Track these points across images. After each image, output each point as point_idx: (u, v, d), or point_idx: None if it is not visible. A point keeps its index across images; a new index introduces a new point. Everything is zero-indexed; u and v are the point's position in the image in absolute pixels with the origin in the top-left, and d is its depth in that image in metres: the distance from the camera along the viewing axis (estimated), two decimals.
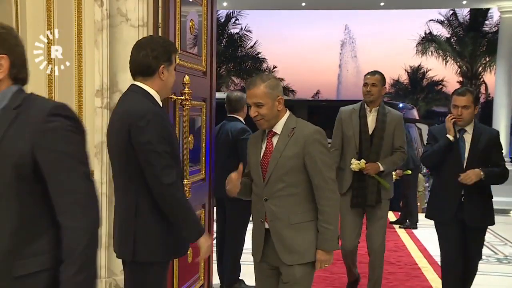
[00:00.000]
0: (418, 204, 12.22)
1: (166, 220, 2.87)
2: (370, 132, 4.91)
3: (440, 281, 5.85)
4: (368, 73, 5.08)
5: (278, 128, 3.19)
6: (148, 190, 2.82)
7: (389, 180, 5.03)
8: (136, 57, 2.94)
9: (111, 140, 3.00)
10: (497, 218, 8.37)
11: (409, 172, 8.87)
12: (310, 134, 3.13)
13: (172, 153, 2.88)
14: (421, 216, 10.56)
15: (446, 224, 4.57)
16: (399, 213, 9.66)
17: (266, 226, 3.20)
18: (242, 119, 5.35)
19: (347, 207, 4.94)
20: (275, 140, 3.19)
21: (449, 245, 4.59)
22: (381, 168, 4.86)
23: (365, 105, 4.98)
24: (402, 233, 8.38)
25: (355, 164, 4.83)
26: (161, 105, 3.01)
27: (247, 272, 5.69)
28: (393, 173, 8.77)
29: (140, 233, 2.83)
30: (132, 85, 2.98)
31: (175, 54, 3.06)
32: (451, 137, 4.45)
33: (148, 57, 2.91)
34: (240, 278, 5.40)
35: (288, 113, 3.23)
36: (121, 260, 3.14)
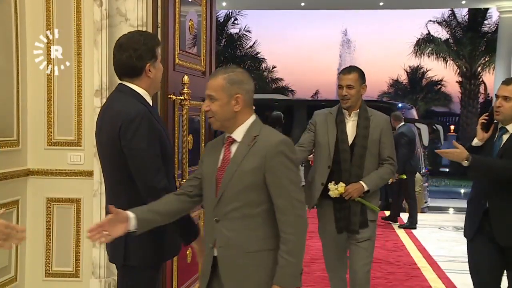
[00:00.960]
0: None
1: None
2: (350, 141, 4.04)
3: (439, 280, 5.87)
4: (342, 71, 4.17)
5: (238, 134, 2.59)
6: (139, 193, 2.74)
7: (376, 197, 4.23)
8: (120, 59, 2.84)
9: (101, 141, 2.91)
10: None
11: (404, 176, 8.78)
12: (273, 145, 2.52)
13: (164, 154, 2.81)
14: (420, 216, 10.58)
15: (472, 241, 3.79)
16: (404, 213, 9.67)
17: (215, 253, 2.59)
18: None
19: (329, 233, 4.18)
20: (233, 148, 2.60)
21: (477, 268, 3.77)
22: (365, 188, 3.98)
23: (343, 109, 4.12)
24: (401, 233, 8.39)
25: (333, 191, 3.98)
26: (150, 103, 2.91)
27: None
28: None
29: (131, 237, 2.69)
30: (120, 84, 2.89)
31: (159, 47, 2.93)
32: (474, 141, 3.82)
33: (132, 59, 2.81)
34: None
35: (253, 117, 2.64)
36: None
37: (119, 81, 2.91)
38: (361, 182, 3.97)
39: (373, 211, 4.11)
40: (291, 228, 2.51)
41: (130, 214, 2.56)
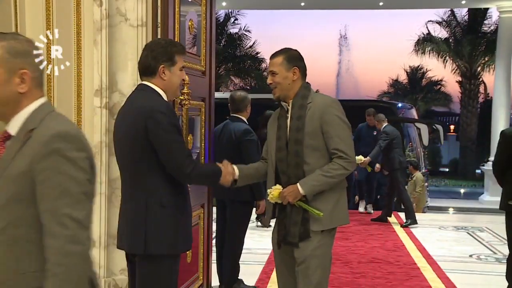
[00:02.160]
0: (415, 204, 12.23)
1: (176, 213, 2.95)
2: (288, 135, 3.37)
3: (439, 280, 5.87)
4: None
5: (13, 126, 1.87)
6: (158, 185, 2.92)
7: (329, 199, 3.33)
8: (140, 58, 3.08)
9: (120, 137, 3.05)
10: (497, 217, 8.42)
11: (369, 169, 8.89)
12: (45, 141, 1.78)
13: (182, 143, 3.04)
14: (420, 216, 10.57)
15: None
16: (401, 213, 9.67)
17: None
18: (245, 120, 5.33)
19: (274, 247, 3.52)
20: (8, 146, 1.89)
21: None
22: (301, 192, 3.25)
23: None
24: (401, 233, 8.39)
25: (269, 195, 3.35)
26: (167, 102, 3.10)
27: (246, 272, 5.70)
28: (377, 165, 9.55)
29: (151, 227, 2.89)
30: (141, 84, 3.08)
31: (179, 55, 3.07)
32: None
33: (148, 58, 3.01)
34: (239, 278, 5.41)
35: (38, 102, 1.90)
36: (125, 258, 3.15)
37: (140, 81, 3.10)
38: (297, 184, 3.28)
39: (319, 219, 3.27)
40: (57, 256, 1.73)
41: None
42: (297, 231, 3.30)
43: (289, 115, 3.38)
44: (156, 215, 2.92)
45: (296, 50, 3.48)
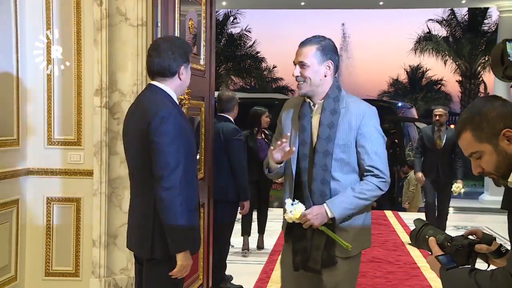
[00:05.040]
0: (409, 203, 12.21)
1: (183, 217, 2.88)
2: (314, 143, 2.89)
3: (439, 280, 5.87)
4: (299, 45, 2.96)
5: None
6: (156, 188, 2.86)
7: (353, 222, 2.90)
8: (156, 59, 2.95)
9: (129, 138, 3.03)
10: (496, 217, 8.42)
11: None
12: None
13: (189, 152, 2.92)
14: (420, 216, 10.58)
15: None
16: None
17: None
18: (232, 119, 5.35)
19: (288, 269, 3.07)
20: None
21: None
22: (330, 215, 2.80)
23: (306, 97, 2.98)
24: (401, 232, 8.39)
25: (287, 213, 2.83)
26: (178, 103, 3.07)
27: (246, 272, 5.71)
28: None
29: (158, 230, 2.86)
30: (150, 84, 3.02)
31: (191, 53, 3.12)
32: None
33: (170, 59, 2.94)
34: (227, 275, 5.43)
35: None
36: (126, 257, 3.16)
37: (150, 82, 3.03)
38: (324, 205, 2.81)
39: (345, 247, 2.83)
40: None
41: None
42: (319, 257, 2.87)
43: (313, 116, 2.91)
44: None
45: (330, 39, 2.96)
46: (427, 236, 2.25)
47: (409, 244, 7.02)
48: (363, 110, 2.92)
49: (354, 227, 2.89)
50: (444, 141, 7.38)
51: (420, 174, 7.61)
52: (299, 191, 2.92)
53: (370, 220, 3.02)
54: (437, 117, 7.43)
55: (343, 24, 34.63)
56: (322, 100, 2.90)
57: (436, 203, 7.64)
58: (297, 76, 2.90)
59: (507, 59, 2.60)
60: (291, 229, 2.99)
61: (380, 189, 2.86)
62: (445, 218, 7.69)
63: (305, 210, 2.80)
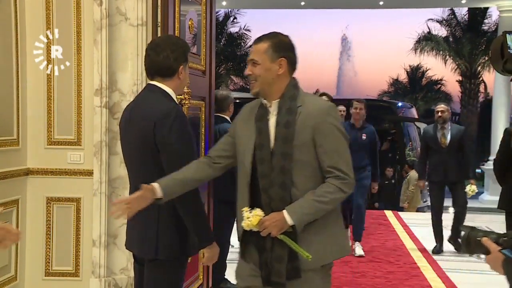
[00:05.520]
0: (408, 203, 12.22)
1: (204, 212, 2.94)
2: (272, 145, 2.66)
3: (439, 280, 5.87)
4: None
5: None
6: None
7: (318, 230, 2.65)
8: (156, 58, 2.94)
9: (130, 139, 3.00)
10: (496, 217, 8.42)
11: None
12: None
13: (192, 151, 2.95)
14: (420, 216, 10.58)
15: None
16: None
17: None
18: (228, 118, 5.34)
19: (243, 282, 2.81)
20: None
21: None
22: (289, 222, 2.56)
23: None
24: (401, 232, 8.39)
25: (245, 220, 2.60)
26: (177, 103, 3.07)
27: (234, 271, 5.72)
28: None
29: (162, 231, 2.87)
30: (150, 84, 3.00)
31: (189, 52, 3.11)
32: None
33: (169, 59, 2.92)
34: (225, 277, 5.42)
35: None
36: (127, 257, 3.16)
37: (149, 81, 3.01)
38: (283, 212, 2.58)
39: (312, 254, 2.58)
40: None
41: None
42: (283, 269, 2.61)
43: (270, 118, 2.70)
44: (168, 220, 2.89)
45: (287, 36, 2.81)
46: (478, 239, 2.14)
47: (433, 252, 7.00)
48: (321, 107, 2.70)
49: (319, 235, 2.64)
50: (449, 139, 6.94)
51: (422, 183, 7.30)
52: (257, 198, 2.68)
53: (342, 225, 2.81)
54: (440, 114, 7.00)
55: (343, 24, 34.65)
56: (278, 100, 2.69)
57: (452, 207, 7.18)
58: (248, 75, 2.74)
59: (507, 51, 2.59)
60: (247, 241, 2.75)
61: (343, 191, 2.63)
62: (461, 218, 7.06)
63: (264, 217, 2.60)
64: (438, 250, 7.07)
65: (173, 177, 2.72)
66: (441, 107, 7.14)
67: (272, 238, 2.61)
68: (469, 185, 6.93)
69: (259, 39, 2.75)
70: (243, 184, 2.74)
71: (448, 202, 7.41)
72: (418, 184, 7.43)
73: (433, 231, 7.21)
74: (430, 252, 7.00)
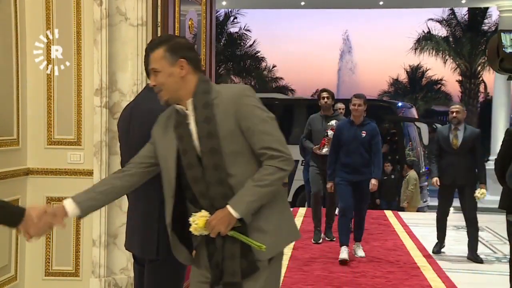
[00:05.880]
0: (407, 202, 12.21)
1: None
2: (198, 147, 2.54)
3: (439, 279, 5.87)
4: None
5: None
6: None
7: (267, 218, 2.55)
8: None
9: (131, 138, 3.00)
10: (496, 217, 8.41)
11: None
12: None
13: None
14: (420, 215, 10.57)
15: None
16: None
17: None
18: None
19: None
20: None
21: None
22: (235, 215, 2.47)
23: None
24: (401, 232, 8.39)
25: (193, 226, 2.47)
26: None
27: None
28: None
29: (162, 232, 2.82)
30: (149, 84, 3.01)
31: None
32: None
33: None
34: None
35: None
36: (127, 257, 3.16)
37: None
38: (227, 207, 2.48)
39: (265, 244, 2.48)
40: None
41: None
42: (237, 267, 2.50)
43: (190, 121, 2.57)
44: None
45: (182, 37, 2.74)
46: None
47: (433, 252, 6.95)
48: (234, 91, 2.59)
49: (270, 222, 2.56)
50: (460, 141, 6.61)
51: (435, 179, 6.87)
52: (197, 204, 2.56)
53: (289, 210, 2.74)
54: (454, 114, 6.61)
55: (343, 24, 34.65)
56: (191, 99, 2.57)
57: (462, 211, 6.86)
58: (153, 86, 2.60)
59: (502, 50, 2.59)
60: (198, 245, 2.66)
61: (282, 169, 2.52)
62: (473, 227, 6.72)
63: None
64: (439, 250, 7.01)
65: (90, 190, 2.66)
66: (455, 107, 6.78)
67: (222, 237, 2.51)
68: (478, 189, 6.58)
69: (153, 46, 2.61)
70: (168, 197, 2.61)
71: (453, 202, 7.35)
72: (432, 182, 7.01)
73: (437, 230, 7.08)
74: (430, 252, 7.00)
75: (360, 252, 6.67)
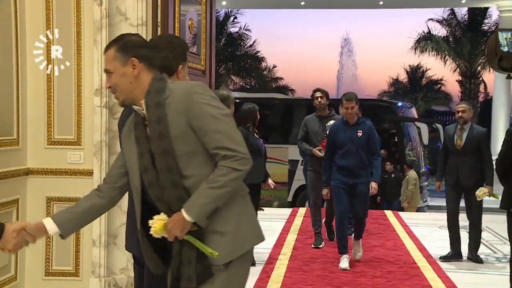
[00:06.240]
0: (407, 202, 12.21)
1: None
2: (153, 148, 2.47)
3: (439, 279, 5.87)
4: None
5: None
6: None
7: (225, 220, 2.45)
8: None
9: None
10: (496, 217, 8.41)
11: None
12: None
13: None
14: (420, 215, 10.56)
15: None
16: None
17: None
18: None
19: None
20: None
21: None
22: (188, 218, 2.37)
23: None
24: (401, 232, 8.38)
25: (152, 230, 2.43)
26: None
27: None
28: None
29: None
30: None
31: (188, 51, 3.10)
32: None
33: (168, 59, 2.91)
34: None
35: None
36: (133, 259, 3.16)
37: None
38: (182, 211, 2.39)
39: (221, 249, 2.41)
40: None
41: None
42: (192, 272, 2.42)
43: (147, 118, 2.48)
44: None
45: (135, 34, 2.69)
46: None
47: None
48: (185, 89, 2.47)
49: (229, 225, 2.45)
50: (464, 141, 6.38)
51: (437, 183, 6.81)
52: (155, 209, 2.49)
53: (251, 211, 2.58)
54: (460, 114, 6.39)
55: (343, 24, 34.66)
56: (144, 99, 2.48)
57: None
58: (108, 87, 2.54)
59: (499, 49, 2.59)
60: (157, 252, 2.56)
61: (236, 169, 2.39)
62: (476, 229, 6.53)
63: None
64: (451, 257, 6.61)
65: (71, 210, 2.64)
66: (461, 106, 6.55)
67: (180, 242, 2.42)
68: (480, 188, 6.25)
69: (106, 47, 2.55)
70: (136, 203, 2.56)
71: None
72: (435, 185, 6.92)
73: (449, 236, 6.74)
74: (430, 252, 6.99)
75: (359, 253, 6.38)
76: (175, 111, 2.42)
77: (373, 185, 6.07)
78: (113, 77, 2.48)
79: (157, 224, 2.40)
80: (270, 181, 6.64)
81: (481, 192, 6.22)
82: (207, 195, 2.38)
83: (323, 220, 7.29)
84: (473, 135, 6.40)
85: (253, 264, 5.99)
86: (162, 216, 2.42)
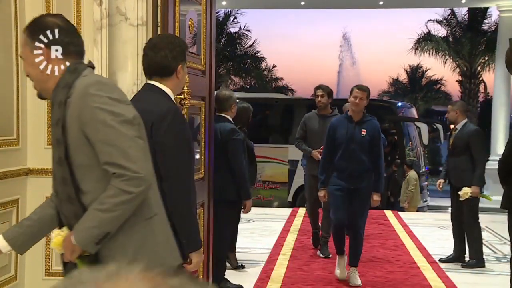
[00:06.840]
0: (408, 203, 12.21)
1: (194, 217, 2.93)
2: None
3: (439, 279, 5.87)
4: None
5: None
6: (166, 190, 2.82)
7: (123, 245, 2.15)
8: (154, 58, 2.96)
9: None
10: (496, 217, 8.42)
11: None
12: None
13: (189, 151, 2.97)
14: (420, 215, 10.58)
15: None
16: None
17: None
18: (230, 119, 5.30)
19: None
20: None
21: None
22: (73, 242, 2.09)
23: None
24: (400, 232, 8.39)
25: (52, 242, 2.29)
26: (175, 103, 3.07)
27: (246, 272, 5.71)
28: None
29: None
30: (148, 84, 3.02)
31: (187, 51, 3.12)
32: None
33: (168, 58, 2.92)
34: (225, 277, 5.41)
35: None
36: None
37: (147, 81, 3.03)
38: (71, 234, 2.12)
39: None
40: None
41: None
42: None
43: None
44: (169, 222, 2.88)
45: (55, 15, 2.30)
46: None
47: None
48: (81, 89, 2.10)
49: (127, 253, 2.11)
50: (453, 140, 6.39)
51: (438, 181, 6.77)
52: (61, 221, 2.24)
53: (159, 235, 2.23)
54: (446, 114, 6.52)
55: (343, 24, 34.63)
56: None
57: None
58: (27, 76, 2.27)
59: None
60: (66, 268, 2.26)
61: (125, 191, 2.00)
62: (468, 230, 6.46)
63: None
64: (451, 259, 6.57)
65: (20, 224, 2.44)
66: (448, 107, 6.66)
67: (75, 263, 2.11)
68: (463, 188, 6.10)
69: (24, 29, 2.18)
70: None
71: (448, 202, 7.35)
72: (437, 183, 6.86)
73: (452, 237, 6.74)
74: (430, 252, 6.99)
75: (356, 280, 5.50)
76: (71, 114, 2.07)
77: (375, 197, 5.43)
78: (25, 65, 2.16)
79: (56, 239, 2.17)
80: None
81: (463, 192, 6.08)
82: (94, 217, 2.04)
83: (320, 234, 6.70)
84: (462, 134, 6.32)
85: (242, 266, 5.93)
86: (63, 231, 2.16)
